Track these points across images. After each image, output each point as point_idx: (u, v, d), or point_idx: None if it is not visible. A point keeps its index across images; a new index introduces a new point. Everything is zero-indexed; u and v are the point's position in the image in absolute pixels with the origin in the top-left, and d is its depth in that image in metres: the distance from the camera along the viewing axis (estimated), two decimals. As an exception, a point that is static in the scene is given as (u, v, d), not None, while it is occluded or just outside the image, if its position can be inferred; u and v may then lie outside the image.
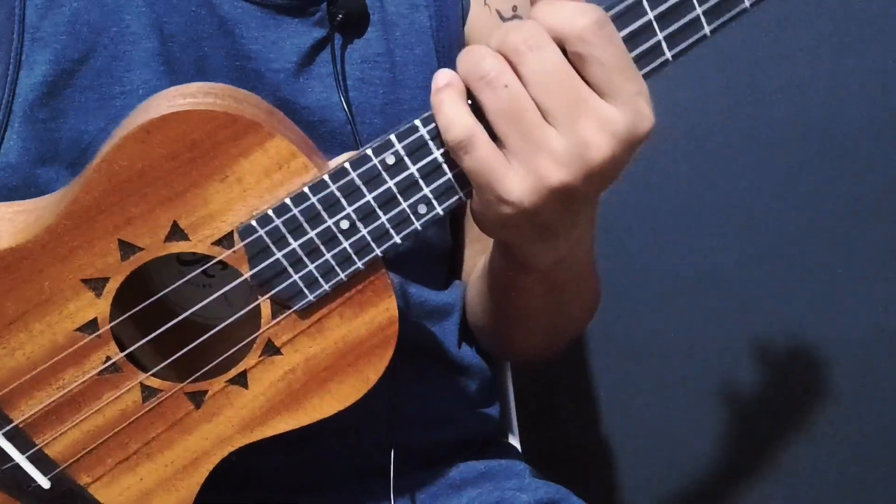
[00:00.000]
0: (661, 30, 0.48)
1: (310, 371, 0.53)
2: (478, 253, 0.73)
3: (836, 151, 1.09)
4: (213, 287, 0.55)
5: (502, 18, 0.67)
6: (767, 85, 1.06)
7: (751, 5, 0.50)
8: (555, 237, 0.52)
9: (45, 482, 0.50)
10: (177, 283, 0.51)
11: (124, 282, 0.50)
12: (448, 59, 0.65)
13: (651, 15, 0.48)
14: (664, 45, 0.49)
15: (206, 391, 0.52)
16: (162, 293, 0.51)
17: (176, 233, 0.48)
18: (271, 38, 0.60)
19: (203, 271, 0.57)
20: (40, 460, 0.50)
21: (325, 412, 0.54)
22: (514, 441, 0.84)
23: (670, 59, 0.49)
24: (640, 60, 0.49)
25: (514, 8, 0.67)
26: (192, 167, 0.47)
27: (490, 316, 0.69)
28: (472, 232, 0.73)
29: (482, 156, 0.46)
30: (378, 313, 0.52)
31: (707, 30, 0.49)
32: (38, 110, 0.56)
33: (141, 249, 0.48)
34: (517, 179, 0.46)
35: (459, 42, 0.66)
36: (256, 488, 0.65)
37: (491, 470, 0.71)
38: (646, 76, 0.49)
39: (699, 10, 0.49)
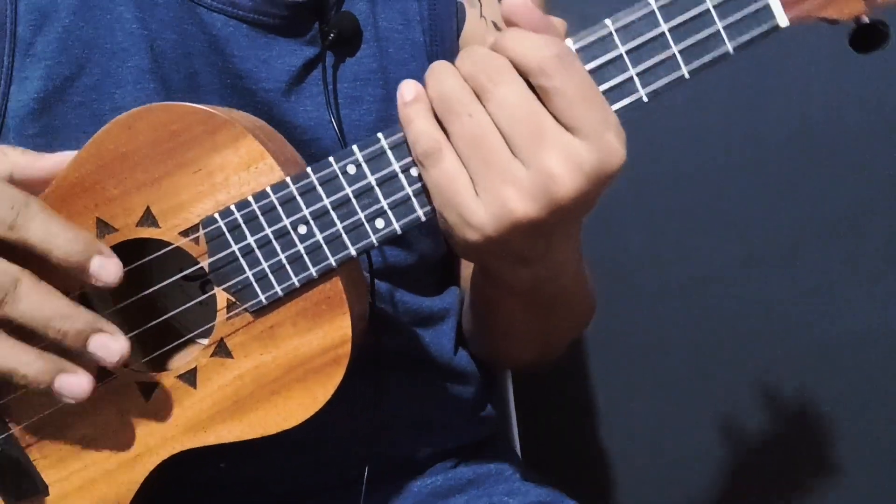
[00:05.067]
0: (633, 65, 0.48)
1: (258, 380, 0.52)
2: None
3: (836, 151, 1.07)
4: (207, 301, 0.58)
5: (498, 31, 0.67)
6: (768, 84, 1.06)
7: (734, 50, 0.49)
8: (528, 263, 0.50)
9: (-7, 444, 0.53)
10: (162, 282, 0.54)
11: (126, 281, 0.53)
12: None
13: (622, 49, 0.48)
14: (637, 81, 0.48)
15: (156, 384, 0.53)
16: (151, 289, 0.54)
17: (148, 218, 0.51)
18: (262, 56, 0.61)
19: (200, 286, 0.60)
20: (-7, 420, 0.53)
21: (269, 428, 0.53)
22: (514, 443, 0.81)
23: (644, 97, 0.49)
24: (609, 94, 0.48)
25: None
26: (170, 157, 0.50)
27: (481, 331, 0.67)
28: None
29: (447, 169, 0.47)
30: (332, 329, 0.52)
31: (685, 70, 0.48)
32: (30, 126, 0.58)
33: (115, 230, 0.51)
34: (481, 204, 0.46)
35: (454, 55, 0.66)
36: (235, 495, 0.64)
37: (480, 476, 0.68)
38: (621, 113, 0.48)
39: (675, 49, 0.48)
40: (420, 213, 0.50)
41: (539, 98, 0.46)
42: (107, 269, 0.48)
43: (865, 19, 0.51)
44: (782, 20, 0.48)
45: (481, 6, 0.68)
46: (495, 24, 0.68)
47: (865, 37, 0.52)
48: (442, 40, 0.66)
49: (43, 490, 0.54)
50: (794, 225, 1.11)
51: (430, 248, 0.69)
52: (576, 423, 1.21)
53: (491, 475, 0.69)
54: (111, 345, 0.48)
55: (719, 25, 0.47)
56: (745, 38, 0.48)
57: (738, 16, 0.47)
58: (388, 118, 0.64)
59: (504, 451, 0.75)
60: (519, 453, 0.79)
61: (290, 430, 0.53)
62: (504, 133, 0.46)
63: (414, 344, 0.68)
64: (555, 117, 0.45)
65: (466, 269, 0.73)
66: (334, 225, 0.50)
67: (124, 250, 0.52)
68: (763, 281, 1.12)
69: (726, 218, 1.11)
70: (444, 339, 0.70)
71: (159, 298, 0.56)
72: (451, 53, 0.67)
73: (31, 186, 0.50)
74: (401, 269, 0.65)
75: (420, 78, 0.66)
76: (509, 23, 0.47)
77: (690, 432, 1.17)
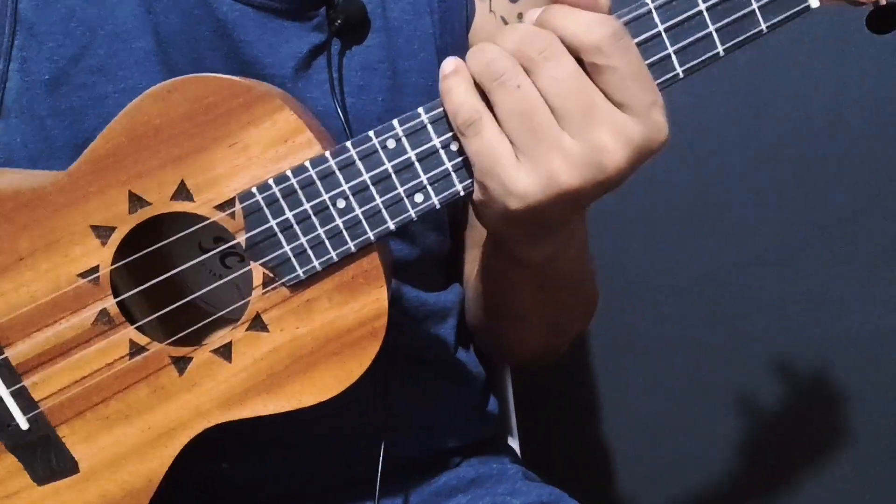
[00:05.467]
0: (672, 43, 0.49)
1: (294, 353, 0.53)
2: (477, 259, 0.71)
3: (837, 151, 1.08)
4: (231, 278, 0.57)
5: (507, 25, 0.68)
6: (768, 84, 1.06)
7: (767, 29, 0.50)
8: (547, 235, 0.51)
9: (23, 422, 0.52)
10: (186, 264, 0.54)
11: (142, 257, 0.52)
12: None
13: (661, 27, 0.49)
14: (674, 58, 0.49)
15: (190, 358, 0.53)
16: (174, 271, 0.54)
17: (182, 192, 0.50)
18: (269, 41, 0.60)
19: (221, 261, 0.60)
20: (23, 398, 0.52)
21: (305, 401, 0.53)
22: (514, 443, 0.81)
23: (681, 74, 0.50)
24: (649, 71, 0.49)
25: (520, 16, 0.68)
26: (205, 129, 0.50)
27: (487, 315, 0.68)
28: (472, 236, 0.73)
29: (490, 139, 0.47)
30: (368, 302, 0.52)
31: (720, 48, 0.50)
32: (35, 107, 0.57)
33: (148, 204, 0.50)
34: (525, 172, 0.47)
35: (463, 48, 0.66)
36: (238, 494, 0.63)
37: (482, 476, 0.69)
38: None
39: (712, 28, 0.49)
40: (459, 187, 0.50)
41: (587, 73, 0.46)
42: None
43: (883, 1, 0.53)
44: (814, 1, 0.49)
45: (491, 1, 0.68)
46: (504, 20, 0.68)
47: (883, 18, 0.54)
48: (451, 32, 0.66)
49: (72, 467, 0.53)
50: (795, 225, 1.11)
51: (436, 243, 0.69)
52: (575, 424, 1.21)
53: (493, 475, 0.70)
54: None
55: (755, 5, 0.49)
56: (779, 17, 0.49)
57: (773, -5, 0.49)
58: (395, 108, 0.63)
59: (505, 451, 0.76)
60: (519, 453, 0.80)
61: (320, 404, 0.54)
62: (553, 106, 0.46)
63: (417, 341, 0.68)
64: (604, 93, 0.46)
65: (469, 265, 0.74)
66: (374, 200, 0.50)
67: (148, 228, 0.52)
68: (763, 280, 1.13)
69: (726, 217, 1.12)
70: (447, 337, 0.70)
71: (178, 274, 0.55)
72: (460, 45, 0.67)
73: None
74: (405, 263, 0.66)
75: (428, 69, 0.66)
76: (556, 0, 0.47)
77: (690, 432, 1.18)
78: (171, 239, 0.52)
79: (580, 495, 0.69)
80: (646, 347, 1.16)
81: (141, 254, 0.52)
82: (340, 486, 0.65)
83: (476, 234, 0.73)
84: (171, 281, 0.55)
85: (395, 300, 0.66)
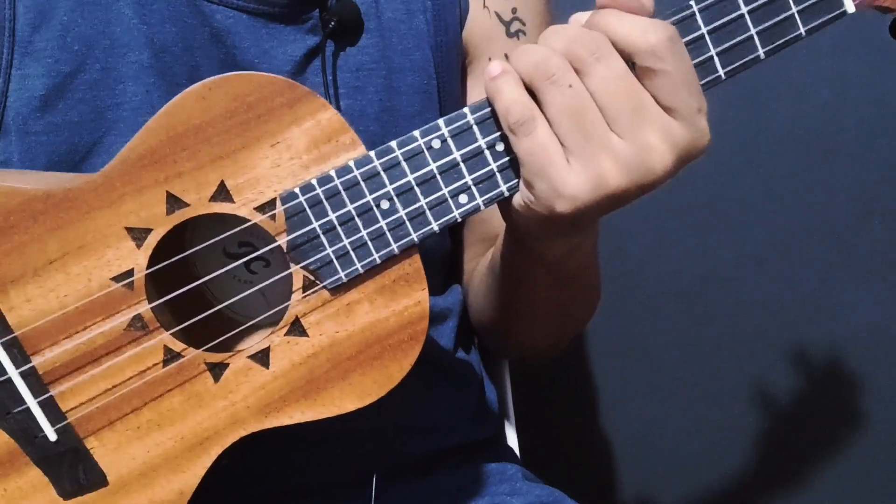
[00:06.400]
0: (715, 45, 0.50)
1: (333, 358, 0.51)
2: (477, 256, 0.72)
3: (836, 151, 1.09)
4: (253, 284, 0.56)
5: (502, 21, 0.69)
6: (769, 85, 1.08)
7: (805, 33, 0.51)
8: (573, 232, 0.52)
9: (51, 433, 0.49)
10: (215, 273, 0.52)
11: (168, 266, 0.51)
12: (446, 65, 0.66)
13: (704, 29, 0.49)
14: (717, 61, 0.50)
15: (227, 364, 0.51)
16: (200, 280, 0.52)
17: (222, 192, 0.49)
18: (264, 46, 0.61)
19: (246, 267, 0.58)
20: (51, 409, 0.49)
21: (345, 406, 0.52)
22: (513, 443, 0.81)
23: (723, 76, 0.51)
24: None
25: (514, 10, 0.69)
26: (247, 129, 0.48)
27: (496, 311, 0.68)
28: (471, 235, 0.73)
29: (541, 138, 0.47)
30: (409, 305, 0.51)
31: (761, 51, 0.50)
32: (33, 124, 0.57)
33: (187, 205, 0.49)
34: (574, 173, 0.47)
35: (457, 46, 0.67)
36: (237, 492, 0.62)
37: (482, 476, 0.69)
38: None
39: (753, 31, 0.50)
40: (504, 188, 0.50)
41: (636, 76, 0.47)
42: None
43: (909, 8, 0.55)
44: (850, 7, 0.50)
45: None
46: (499, 15, 0.69)
47: (908, 24, 0.56)
48: (445, 30, 0.66)
49: (101, 480, 0.51)
50: (795, 225, 1.12)
51: (436, 243, 0.69)
52: (574, 424, 1.21)
53: (493, 475, 0.70)
54: None
55: (794, 10, 0.49)
56: (817, 22, 0.50)
57: (811, 0, 0.50)
58: (391, 108, 0.64)
59: (505, 452, 0.76)
60: (518, 453, 0.80)
61: (361, 409, 0.52)
62: (602, 106, 0.46)
63: None
64: (653, 96, 0.47)
65: (469, 263, 0.74)
66: (418, 201, 0.49)
67: (174, 230, 0.50)
68: (763, 280, 1.14)
69: (727, 217, 1.13)
70: (446, 339, 0.70)
71: (206, 291, 0.54)
72: (454, 43, 0.67)
73: None
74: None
75: (423, 67, 0.67)
76: (602, 3, 0.47)
77: (690, 432, 1.19)
78: (209, 243, 0.51)
79: (579, 495, 0.69)
80: (645, 347, 1.17)
81: (177, 258, 0.51)
82: (341, 484, 0.64)
83: (476, 233, 0.73)
84: (199, 294, 0.54)
85: None
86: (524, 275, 0.62)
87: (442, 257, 0.72)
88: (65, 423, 0.50)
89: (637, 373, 1.17)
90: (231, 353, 0.51)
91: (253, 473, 0.63)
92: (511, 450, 0.79)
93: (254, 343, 0.51)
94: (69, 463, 0.50)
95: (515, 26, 0.69)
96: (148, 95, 0.58)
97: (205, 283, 0.55)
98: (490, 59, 0.69)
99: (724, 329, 1.15)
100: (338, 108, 0.62)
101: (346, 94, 0.63)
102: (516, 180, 0.50)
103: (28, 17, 0.57)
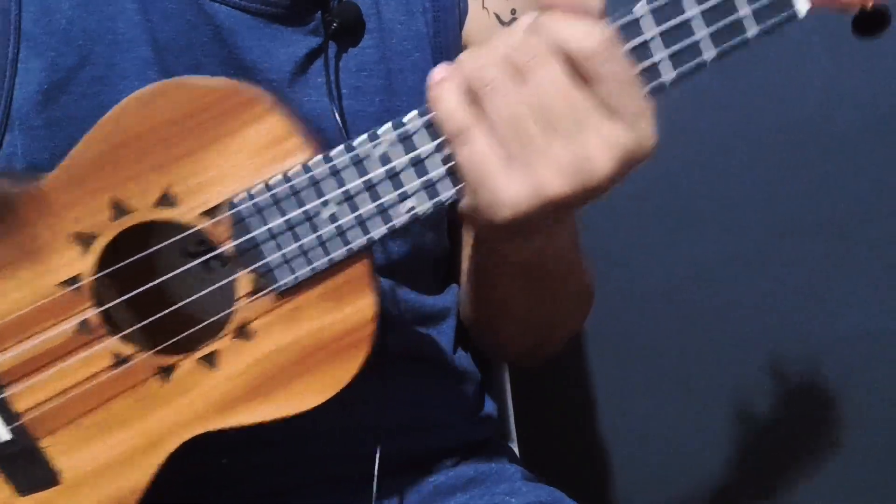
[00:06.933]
0: (663, 48, 0.49)
1: (280, 362, 0.52)
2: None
3: (835, 151, 1.07)
4: (211, 281, 0.56)
5: (501, 22, 0.68)
6: (766, 83, 1.06)
7: (755, 36, 0.50)
8: (533, 234, 0.52)
9: (5, 433, 0.51)
10: (175, 272, 0.53)
11: (127, 265, 0.51)
12: None
13: (653, 32, 0.48)
14: (663, 65, 0.49)
15: (175, 367, 0.52)
16: (159, 280, 0.53)
17: (166, 199, 0.49)
18: (266, 46, 0.61)
19: (204, 264, 0.58)
20: (5, 409, 0.50)
21: (292, 409, 0.53)
22: (513, 444, 0.81)
23: (671, 79, 0.50)
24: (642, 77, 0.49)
25: (513, 11, 0.68)
26: (191, 135, 0.49)
27: (477, 311, 0.68)
28: (468, 235, 0.73)
29: (479, 148, 0.47)
30: (356, 311, 0.51)
31: (709, 54, 0.50)
32: (34, 118, 0.57)
33: (131, 211, 0.49)
34: (514, 182, 0.46)
35: (457, 47, 0.67)
36: (237, 489, 0.63)
37: (481, 475, 0.69)
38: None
39: (702, 34, 0.49)
40: (452, 191, 0.50)
41: (578, 80, 0.46)
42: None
43: (869, 5, 0.54)
44: (801, 9, 0.49)
45: None
46: (497, 16, 0.68)
47: (868, 22, 0.55)
48: (445, 31, 0.66)
49: (55, 478, 0.52)
50: (793, 225, 1.11)
51: (433, 242, 0.69)
52: (574, 424, 1.20)
53: (492, 474, 0.70)
54: None
55: (747, 10, 0.49)
56: (768, 24, 0.49)
57: (763, 1, 0.49)
58: (391, 109, 0.64)
59: (504, 452, 0.76)
60: (517, 454, 0.80)
61: (307, 412, 0.53)
62: (542, 113, 0.46)
63: (416, 342, 0.68)
64: (594, 101, 0.46)
65: (465, 263, 0.73)
66: (364, 205, 0.49)
67: (131, 236, 0.50)
68: (761, 280, 1.12)
69: (724, 216, 1.11)
70: (445, 339, 0.70)
71: (164, 288, 0.54)
72: (454, 44, 0.67)
73: None
74: (403, 264, 0.66)
75: (423, 68, 0.66)
76: (546, 6, 0.47)
77: (689, 432, 1.17)
78: (153, 249, 0.51)
79: (579, 496, 0.69)
80: (644, 348, 1.16)
81: (122, 264, 0.51)
82: (338, 483, 0.65)
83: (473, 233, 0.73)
84: (158, 290, 0.54)
85: (392, 301, 0.67)
86: (495, 276, 0.62)
87: (440, 256, 0.72)
88: (18, 423, 0.51)
89: (637, 373, 1.16)
90: (180, 356, 0.52)
91: (252, 470, 0.64)
92: (511, 450, 0.80)
93: (205, 345, 0.52)
94: (24, 461, 0.52)
95: None
96: None
97: (167, 286, 0.55)
98: None
99: (724, 329, 1.14)
100: (339, 108, 0.62)
101: (347, 95, 0.63)
102: (462, 185, 0.50)
103: (32, 11, 0.58)
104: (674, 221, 1.12)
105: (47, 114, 0.57)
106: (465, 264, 0.74)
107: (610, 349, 1.17)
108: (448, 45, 0.67)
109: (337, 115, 0.60)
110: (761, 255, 1.12)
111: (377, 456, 0.61)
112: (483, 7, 0.68)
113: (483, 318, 0.70)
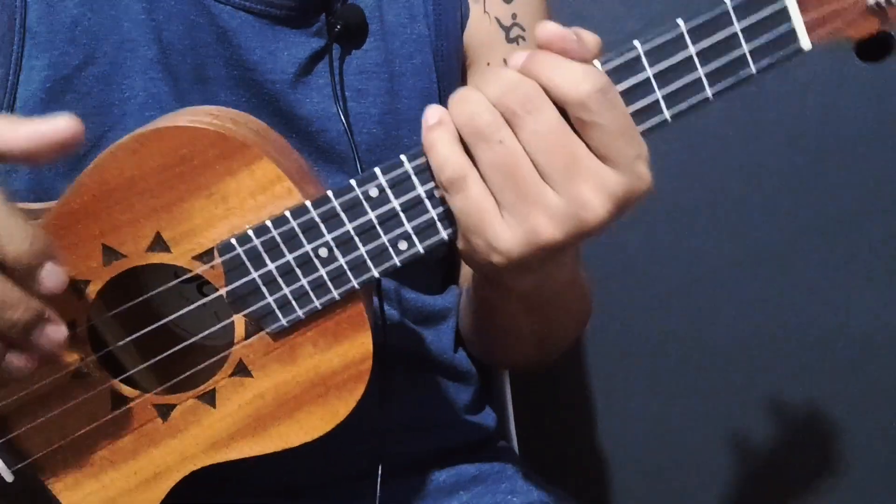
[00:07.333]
0: (660, 87, 0.48)
1: (279, 398, 0.52)
2: None
3: (836, 151, 1.08)
4: (208, 304, 0.56)
5: (502, 26, 0.68)
6: (768, 84, 1.05)
7: (757, 72, 0.49)
8: (529, 275, 0.51)
9: (8, 475, 0.51)
10: (162, 288, 0.52)
11: (118, 289, 0.51)
12: (447, 69, 0.66)
13: (650, 72, 0.47)
14: (663, 104, 0.48)
15: (174, 405, 0.52)
16: (147, 295, 0.52)
17: (159, 243, 0.49)
18: (270, 48, 0.61)
19: (199, 289, 0.58)
20: (7, 451, 0.51)
21: (291, 442, 0.53)
22: (513, 444, 0.83)
23: (669, 119, 0.49)
24: (635, 116, 0.48)
25: (514, 16, 0.68)
26: (181, 181, 0.48)
27: (476, 334, 0.69)
28: None
29: (474, 197, 0.46)
30: (352, 347, 0.52)
31: (709, 92, 0.48)
32: (40, 116, 0.56)
33: (123, 256, 0.49)
34: (508, 229, 0.46)
35: (458, 51, 0.67)
36: (238, 489, 0.64)
37: (483, 473, 0.70)
38: (645, 134, 0.49)
39: (701, 73, 0.48)
40: (444, 234, 0.49)
41: (571, 126, 0.45)
42: (53, 276, 0.44)
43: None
44: (805, 43, 0.48)
45: (485, 2, 0.67)
46: (499, 21, 0.67)
47: (873, 48, 0.53)
48: (446, 35, 0.65)
49: (60, 513, 0.53)
50: (794, 225, 1.10)
51: None
52: (573, 424, 1.21)
53: (493, 473, 0.71)
54: (53, 335, 0.45)
55: (745, 49, 0.47)
56: (770, 60, 0.48)
57: (763, 39, 0.47)
58: (393, 111, 0.63)
59: (505, 451, 0.77)
60: (518, 453, 0.81)
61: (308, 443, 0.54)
62: (535, 160, 0.45)
63: (416, 343, 0.68)
64: (588, 147, 0.45)
65: (466, 268, 0.73)
66: (357, 249, 0.49)
67: (128, 276, 0.50)
68: (762, 281, 1.12)
69: (725, 218, 1.11)
70: (445, 339, 0.71)
71: (157, 308, 0.54)
72: (455, 48, 0.66)
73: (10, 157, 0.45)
74: (407, 265, 0.65)
75: (424, 72, 0.66)
76: (543, 44, 0.45)
77: (689, 432, 1.18)
78: (150, 294, 0.51)
79: (579, 495, 0.71)
80: (643, 348, 1.16)
81: (118, 311, 0.51)
82: (341, 482, 0.66)
83: None
84: (153, 318, 0.54)
85: (393, 302, 0.67)
86: (496, 304, 0.62)
87: (440, 258, 0.72)
88: (21, 464, 0.52)
89: (637, 373, 1.17)
90: (178, 395, 0.52)
91: (253, 470, 0.64)
92: (511, 449, 0.81)
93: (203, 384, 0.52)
94: (28, 499, 0.52)
95: (515, 32, 0.69)
96: (154, 92, 0.59)
97: (162, 311, 0.55)
98: (489, 63, 0.69)
99: (724, 331, 1.14)
100: (343, 110, 0.62)
101: (350, 97, 0.63)
102: (455, 228, 0.49)
103: (37, 9, 0.58)
104: (674, 223, 1.12)
105: (51, 111, 0.56)
106: (465, 268, 0.75)
107: (609, 350, 1.17)
108: (449, 48, 0.66)
109: (342, 116, 0.60)
110: (761, 257, 1.12)
111: (380, 456, 0.61)
112: (484, 11, 0.68)
113: (484, 338, 0.70)
